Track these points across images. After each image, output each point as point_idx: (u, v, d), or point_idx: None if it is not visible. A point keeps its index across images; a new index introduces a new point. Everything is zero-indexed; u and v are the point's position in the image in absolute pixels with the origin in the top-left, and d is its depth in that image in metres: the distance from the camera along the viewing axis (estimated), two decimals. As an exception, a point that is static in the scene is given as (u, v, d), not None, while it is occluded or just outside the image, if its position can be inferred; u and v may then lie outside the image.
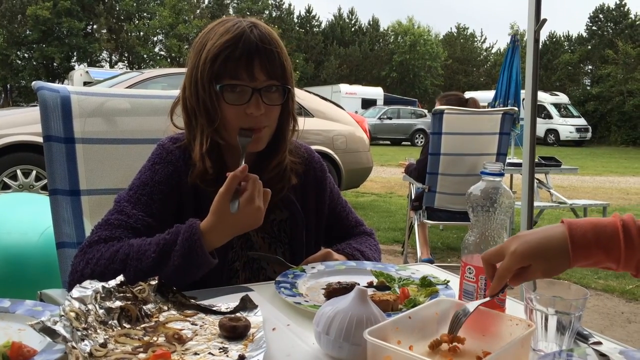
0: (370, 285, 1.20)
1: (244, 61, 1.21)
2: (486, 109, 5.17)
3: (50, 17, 32.72)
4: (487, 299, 0.93)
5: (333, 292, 1.10)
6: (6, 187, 5.38)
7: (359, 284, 1.16)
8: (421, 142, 21.47)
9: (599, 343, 0.95)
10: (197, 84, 1.25)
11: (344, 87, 28.27)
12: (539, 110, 23.71)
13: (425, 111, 25.77)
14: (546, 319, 0.90)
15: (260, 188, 1.16)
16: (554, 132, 26.99)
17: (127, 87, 6.01)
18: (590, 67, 38.85)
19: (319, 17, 47.47)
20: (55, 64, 35.36)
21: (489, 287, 0.95)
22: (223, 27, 1.25)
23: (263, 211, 1.16)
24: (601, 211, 6.09)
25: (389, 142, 24.56)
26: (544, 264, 0.90)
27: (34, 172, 5.49)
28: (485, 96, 21.62)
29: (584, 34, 39.88)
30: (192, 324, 0.97)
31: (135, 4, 36.41)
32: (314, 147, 1.57)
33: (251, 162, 1.34)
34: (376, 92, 29.37)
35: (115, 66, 36.41)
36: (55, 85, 1.52)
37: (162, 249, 1.14)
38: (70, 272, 1.20)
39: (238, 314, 0.99)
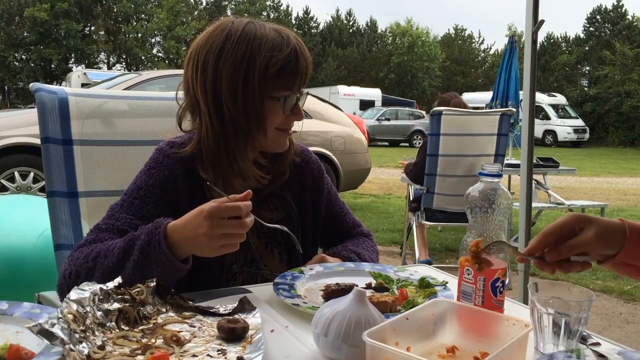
0: (368, 286, 1.20)
1: (299, 74, 1.28)
2: (484, 110, 5.18)
3: (48, 19, 32.71)
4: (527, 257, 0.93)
5: (331, 293, 1.09)
6: (4, 189, 5.37)
7: (357, 286, 1.16)
8: (419, 143, 21.50)
9: (598, 344, 0.95)
10: (250, 94, 1.25)
11: (342, 89, 28.27)
12: (537, 111, 23.79)
13: (423, 112, 25.82)
14: (551, 321, 0.90)
15: (229, 211, 1.07)
16: (551, 133, 27.04)
17: (125, 89, 6.01)
18: (587, 68, 38.92)
19: (316, 19, 47.63)
20: (52, 65, 35.34)
21: (487, 294, 0.94)
22: (267, 37, 1.25)
23: (212, 229, 1.06)
24: (599, 212, 6.10)
25: (387, 144, 24.58)
26: (599, 227, 0.91)
27: (31, 174, 5.48)
28: (483, 97, 21.69)
29: (582, 35, 39.97)
30: (191, 325, 0.97)
31: (133, 6, 36.40)
32: (312, 149, 1.57)
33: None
34: (374, 94, 29.38)
35: (113, 68, 36.40)
36: (53, 87, 1.52)
37: (127, 244, 1.12)
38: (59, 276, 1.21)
39: (236, 316, 0.99)
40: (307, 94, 1.36)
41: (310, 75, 1.34)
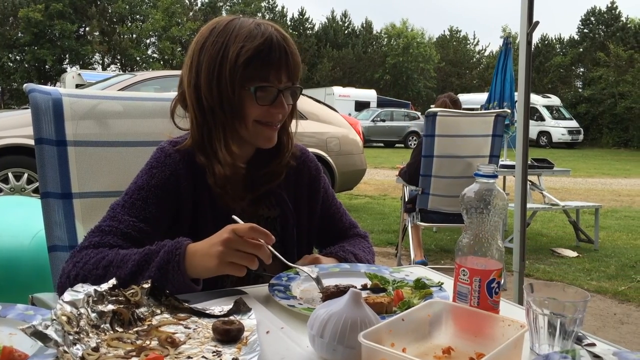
0: (364, 287, 1.20)
1: (275, 65, 1.26)
2: (479, 111, 5.19)
3: (42, 20, 32.60)
4: None
5: (331, 295, 1.09)
6: (-3, 190, 5.35)
7: (356, 287, 1.16)
8: (414, 144, 21.54)
9: (593, 344, 0.96)
10: (223, 85, 1.26)
11: (338, 90, 28.30)
12: (531, 113, 23.84)
13: (419, 113, 25.88)
14: (547, 322, 0.90)
15: (247, 240, 1.09)
16: (546, 134, 27.14)
17: (119, 90, 5.99)
18: (582, 69, 39.07)
19: (312, 20, 47.66)
20: (47, 66, 35.22)
21: (483, 295, 0.93)
22: (244, 29, 1.26)
23: (225, 249, 1.08)
24: (593, 213, 6.12)
25: (382, 145, 24.61)
26: None
27: (25, 175, 5.46)
28: (477, 98, 21.75)
29: (576, 37, 40.14)
30: (185, 327, 0.96)
31: (128, 7, 36.33)
32: (307, 149, 1.57)
33: (253, 156, 1.39)
34: (369, 95, 29.42)
35: (108, 69, 36.30)
36: (47, 88, 1.51)
37: (143, 258, 1.13)
38: (60, 275, 1.20)
39: (231, 317, 0.98)
40: (301, 90, 1.35)
41: (299, 69, 1.32)
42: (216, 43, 1.26)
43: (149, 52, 38.46)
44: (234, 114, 1.28)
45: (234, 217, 1.17)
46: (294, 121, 1.43)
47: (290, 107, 1.35)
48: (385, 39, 46.01)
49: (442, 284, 1.20)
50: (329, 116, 7.01)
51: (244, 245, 1.08)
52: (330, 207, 1.53)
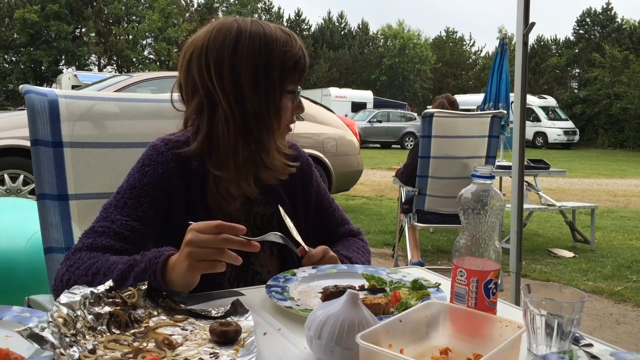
0: (362, 288, 1.20)
1: (306, 69, 1.34)
2: (475, 112, 5.20)
3: (38, 21, 32.49)
4: None
5: (330, 295, 1.09)
6: (-7, 191, 5.33)
7: (356, 288, 1.16)
8: (411, 145, 21.55)
9: (590, 345, 0.96)
10: (271, 89, 1.28)
11: (334, 91, 28.32)
12: (527, 113, 23.87)
13: (415, 114, 25.91)
14: (544, 322, 0.91)
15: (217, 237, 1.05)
16: (542, 135, 27.22)
17: (115, 91, 5.98)
18: (577, 70, 39.15)
19: (308, 21, 47.50)
20: (43, 67, 35.12)
21: (480, 296, 0.94)
22: (275, 34, 1.28)
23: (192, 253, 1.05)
24: (589, 213, 6.13)
25: (379, 145, 24.63)
26: None
27: (21, 177, 5.45)
28: (473, 99, 21.79)
29: (572, 38, 40.22)
30: (183, 329, 0.96)
31: (124, 8, 36.25)
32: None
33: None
34: (366, 96, 29.45)
35: (104, 70, 36.19)
36: (43, 89, 1.51)
37: (127, 268, 1.11)
38: (54, 277, 1.20)
39: (229, 319, 0.98)
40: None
41: None
42: (252, 47, 1.25)
43: (145, 53, 38.38)
44: (278, 116, 1.31)
45: (190, 222, 1.10)
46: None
47: None
48: (382, 40, 46.07)
49: (439, 285, 1.20)
50: (326, 117, 7.02)
51: (208, 241, 1.04)
52: (323, 201, 1.54)
